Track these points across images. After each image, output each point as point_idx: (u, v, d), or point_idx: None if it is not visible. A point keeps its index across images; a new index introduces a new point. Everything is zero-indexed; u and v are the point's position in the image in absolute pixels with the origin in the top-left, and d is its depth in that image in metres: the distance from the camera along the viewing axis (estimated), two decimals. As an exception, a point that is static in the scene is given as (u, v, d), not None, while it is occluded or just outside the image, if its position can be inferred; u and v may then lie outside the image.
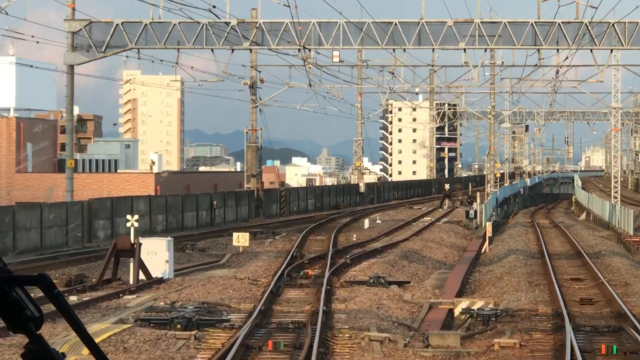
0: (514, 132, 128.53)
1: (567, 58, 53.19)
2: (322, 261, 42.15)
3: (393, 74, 60.42)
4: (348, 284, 35.08)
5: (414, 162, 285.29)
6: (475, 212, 69.83)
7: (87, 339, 2.84)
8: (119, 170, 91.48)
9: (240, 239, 48.07)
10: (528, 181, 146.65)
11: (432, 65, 54.93)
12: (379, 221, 69.29)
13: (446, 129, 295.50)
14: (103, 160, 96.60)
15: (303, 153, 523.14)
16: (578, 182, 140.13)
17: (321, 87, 74.02)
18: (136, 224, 36.56)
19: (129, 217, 37.42)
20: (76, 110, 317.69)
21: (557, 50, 52.63)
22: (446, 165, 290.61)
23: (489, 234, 54.17)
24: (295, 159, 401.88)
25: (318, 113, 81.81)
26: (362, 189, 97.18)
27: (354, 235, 55.79)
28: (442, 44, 52.13)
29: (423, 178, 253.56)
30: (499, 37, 51.77)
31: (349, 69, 76.84)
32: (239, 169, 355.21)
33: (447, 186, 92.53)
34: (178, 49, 52.82)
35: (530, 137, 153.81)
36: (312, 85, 65.87)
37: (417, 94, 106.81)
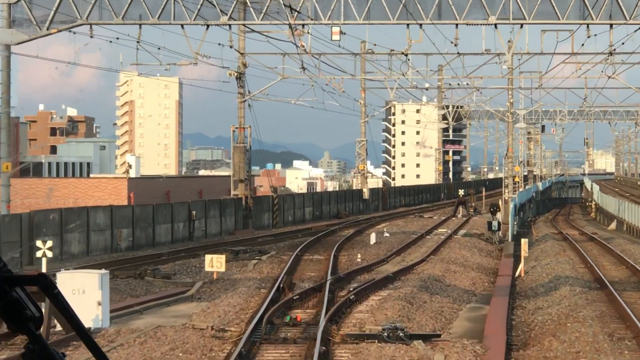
0: (529, 133, 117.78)
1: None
2: (318, 295, 31.52)
3: (407, 56, 49.46)
4: (352, 339, 24.40)
5: (418, 165, 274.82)
6: (499, 223, 59.10)
7: (87, 339, 2.79)
8: (91, 175, 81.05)
9: (215, 263, 37.32)
10: (540, 185, 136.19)
11: (456, 45, 43.93)
12: (387, 234, 58.56)
13: (451, 131, 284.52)
14: (73, 164, 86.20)
15: (305, 156, 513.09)
16: (595, 187, 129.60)
17: (319, 78, 63.29)
18: (49, 254, 25.69)
19: (39, 243, 26.49)
20: (74, 112, 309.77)
21: (611, 25, 41.90)
22: (451, 169, 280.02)
23: (524, 252, 43.35)
24: (296, 163, 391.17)
25: (316, 108, 71.04)
26: (366, 195, 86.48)
27: (358, 255, 45.00)
28: (467, 17, 41.44)
29: (430, 182, 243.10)
30: (538, 10, 41.12)
31: (350, 61, 66.21)
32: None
33: (461, 192, 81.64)
34: (140, 25, 42.11)
35: (546, 138, 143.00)
36: (306, 69, 55.02)
37: (426, 89, 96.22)
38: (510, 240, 56.79)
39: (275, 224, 67.45)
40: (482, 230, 65.26)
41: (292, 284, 35.40)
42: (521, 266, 42.79)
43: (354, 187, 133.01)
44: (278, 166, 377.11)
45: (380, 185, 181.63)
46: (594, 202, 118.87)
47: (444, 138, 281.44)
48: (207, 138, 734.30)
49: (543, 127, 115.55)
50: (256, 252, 45.68)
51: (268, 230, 64.89)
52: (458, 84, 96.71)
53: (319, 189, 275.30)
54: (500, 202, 69.00)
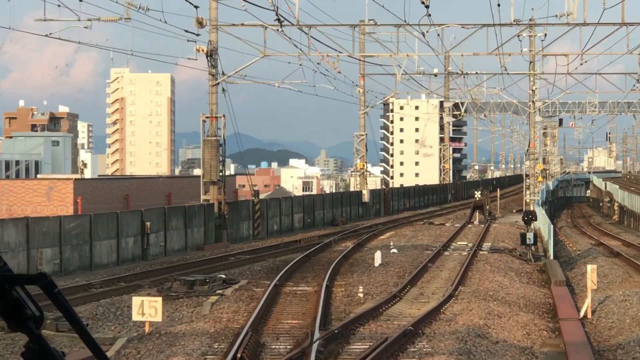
0: (545, 128, 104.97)
1: None
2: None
3: (428, 7, 36.47)
4: None
5: (417, 163, 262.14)
6: (535, 235, 46.23)
7: (87, 339, 2.76)
8: (39, 175, 67.92)
9: (147, 309, 24.50)
10: (551, 184, 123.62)
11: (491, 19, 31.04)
12: (394, 250, 45.58)
13: (450, 128, 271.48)
14: (17, 162, 72.98)
15: (301, 155, 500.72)
16: (613, 186, 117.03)
17: (310, 55, 50.38)
18: None
19: None
20: (66, 109, 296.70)
21: None
22: (450, 167, 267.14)
23: (591, 284, 30.41)
24: (292, 161, 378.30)
25: (306, 93, 58.06)
26: (365, 197, 73.55)
27: (360, 288, 31.94)
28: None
29: (430, 181, 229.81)
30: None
31: (348, 40, 53.31)
32: (232, 171, 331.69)
33: (477, 194, 68.68)
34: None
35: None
36: (282, 22, 41.98)
37: (435, 75, 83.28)
38: (551, 257, 43.89)
39: (257, 235, 54.60)
40: (509, 242, 52.42)
41: (259, 344, 22.61)
42: (587, 303, 29.94)
43: (352, 187, 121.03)
44: (274, 165, 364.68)
45: (379, 185, 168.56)
46: (616, 203, 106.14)
47: (441, 135, 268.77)
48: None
49: (561, 120, 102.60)
50: (219, 283, 32.71)
51: (247, 243, 52.01)
52: (476, 72, 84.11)
53: (314, 188, 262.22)
54: (532, 206, 56.19)
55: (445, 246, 48.15)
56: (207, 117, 51.13)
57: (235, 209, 52.44)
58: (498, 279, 36.00)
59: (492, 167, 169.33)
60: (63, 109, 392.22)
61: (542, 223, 50.58)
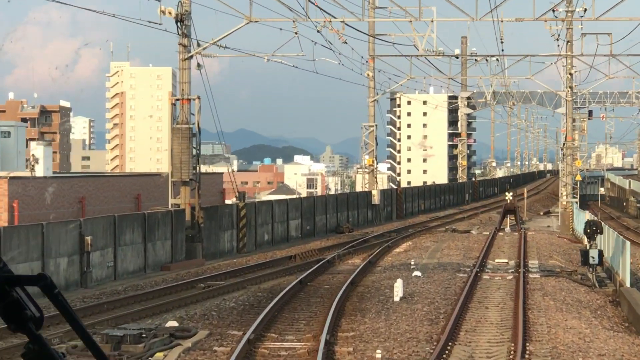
0: (573, 120, 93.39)
1: None
2: None
3: None
4: None
5: (425, 160, 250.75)
6: (601, 253, 34.86)
7: (87, 339, 2.72)
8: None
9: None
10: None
11: None
12: (417, 273, 34.04)
13: (459, 124, 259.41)
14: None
15: (306, 151, 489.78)
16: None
17: (308, 21, 38.93)
18: None
19: None
20: (67, 104, 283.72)
21: None
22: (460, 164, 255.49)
23: None
24: (297, 157, 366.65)
25: (303, 70, 46.73)
26: (375, 199, 62.02)
27: (378, 354, 20.52)
28: None
29: (440, 179, 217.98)
30: None
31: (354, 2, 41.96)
32: (235, 168, 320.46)
33: (508, 196, 57.01)
34: None
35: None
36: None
37: (456, 57, 72.06)
38: (627, 284, 32.37)
39: (242, 249, 43.14)
40: (558, 259, 41.01)
41: None
42: None
43: (358, 186, 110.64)
44: (279, 161, 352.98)
45: (386, 183, 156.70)
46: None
47: (450, 131, 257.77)
48: (208, 133, 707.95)
49: (590, 112, 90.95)
50: (163, 339, 21.27)
51: (229, 258, 40.59)
52: (497, 59, 72.82)
53: (319, 185, 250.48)
54: (596, 214, 44.79)
55: (481, 265, 36.71)
56: (177, 100, 39.79)
57: (214, 216, 40.99)
58: (572, 323, 24.64)
59: (508, 164, 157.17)
60: (64, 104, 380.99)
61: (605, 236, 39.16)
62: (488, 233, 53.41)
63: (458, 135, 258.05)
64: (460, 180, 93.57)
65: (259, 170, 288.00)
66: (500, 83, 75.09)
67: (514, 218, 56.44)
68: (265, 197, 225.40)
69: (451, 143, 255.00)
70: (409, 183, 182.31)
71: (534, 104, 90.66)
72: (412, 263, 37.31)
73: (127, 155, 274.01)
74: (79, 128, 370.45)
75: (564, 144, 65.06)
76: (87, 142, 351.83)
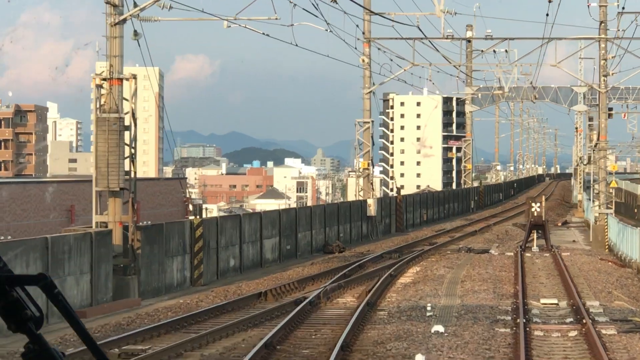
0: (590, 119, 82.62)
1: None
2: None
3: None
4: None
5: (418, 163, 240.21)
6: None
7: (87, 339, 2.69)
8: None
9: None
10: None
11: None
12: (438, 328, 22.96)
13: (454, 126, 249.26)
14: None
15: (297, 154, 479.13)
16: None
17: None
18: None
19: None
20: (54, 106, 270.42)
21: None
22: (454, 167, 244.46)
23: None
24: (288, 160, 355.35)
25: (277, 40, 36.11)
26: (372, 209, 50.93)
27: None
28: None
29: (433, 183, 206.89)
30: None
31: None
32: (224, 171, 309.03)
33: (535, 206, 45.99)
34: None
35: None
36: None
37: (468, 41, 61.24)
38: None
39: (197, 280, 32.06)
40: (621, 295, 30.08)
41: None
42: None
43: (349, 191, 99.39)
44: (270, 164, 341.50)
45: (378, 188, 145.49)
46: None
47: (445, 133, 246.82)
48: (200, 136, 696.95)
49: (610, 110, 79.99)
50: None
51: (178, 294, 29.63)
52: (506, 50, 62.16)
53: (309, 189, 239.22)
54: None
55: (525, 311, 25.74)
56: (104, 80, 28.72)
57: (157, 238, 29.93)
58: None
59: (512, 168, 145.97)
60: (52, 106, 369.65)
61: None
62: (512, 254, 42.47)
63: (453, 137, 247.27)
64: (466, 186, 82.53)
65: (247, 174, 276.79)
66: (521, 72, 64.03)
67: (542, 234, 45.40)
68: (254, 201, 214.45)
69: (446, 145, 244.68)
70: (402, 187, 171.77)
71: (547, 101, 79.75)
72: (428, 306, 26.31)
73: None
74: (67, 130, 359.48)
75: (595, 145, 54.20)
76: (74, 144, 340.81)
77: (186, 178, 49.54)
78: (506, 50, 73.60)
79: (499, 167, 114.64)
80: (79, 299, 25.62)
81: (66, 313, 2.66)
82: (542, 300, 28.00)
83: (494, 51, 73.99)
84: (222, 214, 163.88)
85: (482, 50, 74.22)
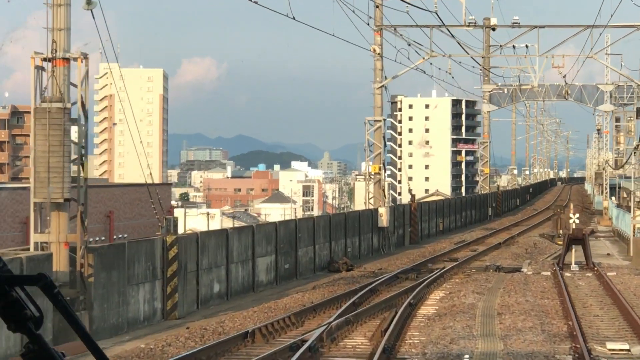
0: (617, 120, 76.14)
1: None
2: None
3: None
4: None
5: (427, 166, 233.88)
6: None
7: (86, 339, 2.66)
8: None
9: None
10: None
11: None
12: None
13: (463, 129, 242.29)
14: None
15: (304, 157, 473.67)
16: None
17: None
18: None
19: None
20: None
21: None
22: (464, 171, 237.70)
23: None
24: (294, 164, 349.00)
25: (269, 10, 29.53)
26: (384, 220, 44.46)
27: None
28: None
29: (442, 187, 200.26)
30: None
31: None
32: (229, 174, 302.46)
33: (574, 218, 39.34)
34: None
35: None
36: None
37: (493, 29, 54.69)
38: None
39: (171, 312, 25.62)
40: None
41: None
42: None
43: (357, 195, 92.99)
44: (277, 167, 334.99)
45: (386, 194, 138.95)
46: None
47: (454, 136, 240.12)
48: (207, 139, 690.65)
49: (638, 110, 73.36)
50: None
51: (144, 332, 23.26)
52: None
53: (316, 193, 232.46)
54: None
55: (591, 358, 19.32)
56: (46, 60, 22.21)
57: (117, 262, 23.49)
58: None
59: (527, 172, 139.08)
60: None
61: None
62: (549, 273, 35.99)
63: (462, 140, 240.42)
64: (483, 191, 75.86)
65: (252, 177, 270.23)
66: (552, 64, 57.33)
67: (578, 247, 38.88)
68: (259, 205, 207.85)
69: (455, 149, 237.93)
70: (410, 191, 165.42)
71: (571, 100, 73.15)
72: (465, 357, 19.85)
73: (115, 161, 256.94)
74: (71, 132, 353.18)
75: (636, 147, 47.69)
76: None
77: (172, 184, 43.67)
78: (527, 46, 67.25)
79: (515, 171, 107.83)
80: (3, 348, 19.20)
81: (66, 313, 2.60)
82: (609, 345, 21.53)
83: (513, 46, 67.68)
84: (225, 218, 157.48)
85: (500, 45, 67.90)
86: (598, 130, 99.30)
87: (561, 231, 52.37)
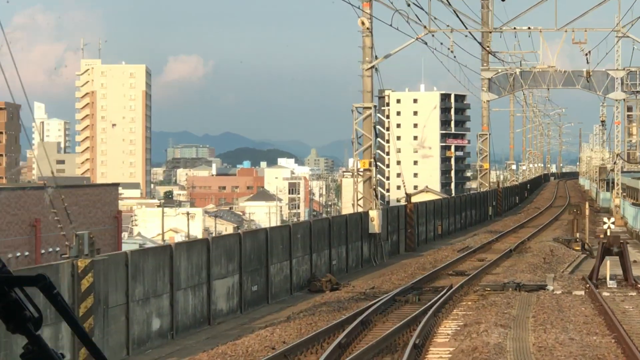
0: (629, 109, 69.02)
1: None
2: None
3: None
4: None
5: (415, 162, 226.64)
6: None
7: (86, 339, 2.62)
8: None
9: None
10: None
11: None
12: None
13: (452, 124, 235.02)
14: None
15: (291, 154, 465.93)
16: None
17: None
18: None
19: None
20: (41, 108, 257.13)
21: None
22: (453, 167, 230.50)
23: None
24: (281, 160, 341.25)
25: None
26: (375, 225, 37.19)
27: None
28: None
29: (431, 183, 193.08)
30: None
31: None
32: (214, 172, 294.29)
33: (608, 223, 32.20)
34: None
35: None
36: None
37: (502, 0, 47.82)
38: None
39: (83, 367, 18.41)
40: None
41: None
42: None
43: (344, 192, 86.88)
44: (264, 164, 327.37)
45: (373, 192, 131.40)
46: None
47: (443, 131, 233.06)
48: (193, 136, 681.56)
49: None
50: None
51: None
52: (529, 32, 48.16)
53: (302, 190, 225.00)
54: None
55: None
56: None
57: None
58: None
59: (524, 167, 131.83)
60: (39, 106, 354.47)
61: None
62: (582, 292, 28.71)
63: (451, 135, 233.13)
64: (482, 189, 68.58)
65: (237, 174, 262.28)
66: (572, 39, 50.10)
67: (622, 264, 31.61)
68: (244, 203, 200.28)
69: (444, 144, 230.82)
70: (398, 188, 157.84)
71: (578, 88, 65.99)
72: None
73: (98, 159, 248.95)
74: (54, 130, 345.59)
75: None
76: (62, 145, 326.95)
77: (119, 184, 36.67)
78: (529, 27, 60.29)
79: (514, 167, 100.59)
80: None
81: (65, 314, 2.59)
82: None
83: (514, 28, 60.73)
84: (208, 217, 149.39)
85: (500, 29, 60.67)
86: (602, 121, 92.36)
87: (578, 235, 45.29)
